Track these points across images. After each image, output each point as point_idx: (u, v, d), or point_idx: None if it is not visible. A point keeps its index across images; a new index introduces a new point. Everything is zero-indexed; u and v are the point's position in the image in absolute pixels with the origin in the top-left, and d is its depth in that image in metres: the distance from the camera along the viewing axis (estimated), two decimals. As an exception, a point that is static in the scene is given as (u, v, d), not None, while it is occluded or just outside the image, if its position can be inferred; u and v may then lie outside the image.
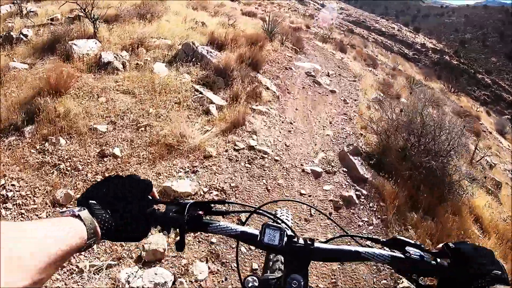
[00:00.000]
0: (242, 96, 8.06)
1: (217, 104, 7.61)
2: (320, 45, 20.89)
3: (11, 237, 0.67)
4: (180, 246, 1.14)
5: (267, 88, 9.46)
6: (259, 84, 9.24)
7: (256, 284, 1.19)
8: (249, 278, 1.20)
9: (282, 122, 8.07)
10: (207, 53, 9.40)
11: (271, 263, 1.91)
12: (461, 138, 7.01)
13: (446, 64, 63.54)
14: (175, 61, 9.04)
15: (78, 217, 0.92)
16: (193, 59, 9.14)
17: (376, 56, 32.17)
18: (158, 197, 1.20)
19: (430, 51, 66.34)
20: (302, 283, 1.06)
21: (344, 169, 6.84)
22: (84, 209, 0.96)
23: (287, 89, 10.29)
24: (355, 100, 11.33)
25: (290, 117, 8.53)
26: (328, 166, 6.81)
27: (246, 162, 6.18)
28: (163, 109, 7.09)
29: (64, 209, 1.08)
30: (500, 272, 1.02)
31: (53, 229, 0.81)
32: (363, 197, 6.13)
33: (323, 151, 7.37)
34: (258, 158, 6.35)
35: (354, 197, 5.99)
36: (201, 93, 7.86)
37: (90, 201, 1.01)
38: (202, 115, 7.28)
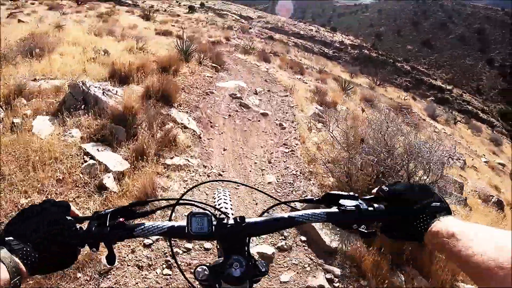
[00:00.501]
0: (150, 148, 6.11)
1: (115, 171, 5.48)
2: (243, 58, 19.30)
3: None
4: (111, 260, 1.03)
5: (185, 127, 7.59)
6: (173, 125, 7.31)
7: (207, 272, 1.06)
8: (199, 269, 1.07)
9: (208, 176, 6.12)
10: (103, 93, 7.21)
11: (219, 252, 1.58)
12: (442, 169, 5.21)
13: (365, 57, 64.97)
14: (62, 111, 6.68)
15: None
16: (84, 105, 6.95)
17: (300, 60, 30.99)
18: (79, 215, 1.09)
19: (349, 47, 67.45)
20: (243, 262, 1.01)
21: (302, 237, 4.88)
22: (1, 248, 0.84)
23: (210, 122, 8.45)
24: (292, 122, 9.57)
25: (217, 164, 6.66)
26: (280, 238, 4.80)
27: (164, 267, 4.06)
28: (40, 193, 4.79)
29: None
30: (439, 203, 0.99)
31: None
32: (337, 281, 4.26)
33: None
34: (180, 253, 4.27)
35: (326, 285, 4.12)
36: (92, 157, 5.70)
37: (7, 238, 0.88)
38: (95, 193, 5.04)
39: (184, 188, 5.62)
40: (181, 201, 1.29)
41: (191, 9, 55.53)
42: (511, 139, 43.57)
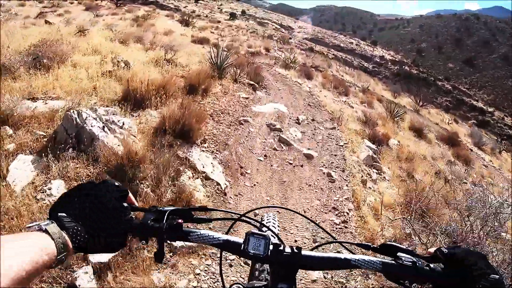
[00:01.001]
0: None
1: (95, 262, 3.58)
2: (283, 73, 17.37)
3: None
4: (159, 256, 1.00)
5: (207, 178, 5.60)
6: (191, 174, 5.45)
7: None
8: (234, 286, 1.07)
9: (232, 267, 4.16)
10: (103, 127, 5.25)
11: (257, 272, 1.71)
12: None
13: (406, 74, 62.23)
14: (49, 149, 4.77)
15: (46, 231, 0.81)
16: (77, 144, 5.00)
17: (342, 76, 28.88)
18: (136, 203, 1.09)
19: (389, 63, 64.73)
20: None
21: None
22: (52, 223, 0.85)
23: (241, 167, 6.47)
24: (343, 170, 7.42)
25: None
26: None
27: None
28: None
29: (31, 223, 0.85)
30: (497, 276, 0.94)
31: (15, 246, 0.72)
32: None
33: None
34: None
35: None
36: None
37: (59, 214, 0.89)
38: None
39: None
40: (242, 218, 1.28)
41: (232, 16, 54.25)
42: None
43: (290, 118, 10.00)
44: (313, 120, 10.34)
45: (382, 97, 25.22)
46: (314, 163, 7.40)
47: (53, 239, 0.80)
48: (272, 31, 52.20)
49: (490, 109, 59.21)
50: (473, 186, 9.31)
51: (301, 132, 9.02)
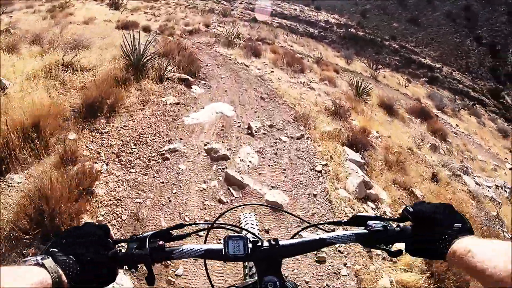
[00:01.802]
0: None
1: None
2: (226, 53, 14.37)
3: None
4: (150, 280, 1.03)
5: None
6: None
7: None
8: None
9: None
10: None
11: (247, 269, 1.81)
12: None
13: (352, 36, 60.10)
14: None
15: (42, 265, 0.83)
16: None
17: (291, 46, 25.90)
18: (116, 238, 1.10)
19: (335, 26, 62.45)
20: (277, 282, 1.03)
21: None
22: (47, 257, 0.86)
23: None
24: (333, 230, 4.44)
25: None
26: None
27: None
28: None
29: (27, 258, 0.88)
30: (461, 224, 0.99)
31: (14, 278, 0.74)
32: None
33: None
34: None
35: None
36: None
37: (51, 249, 0.92)
38: None
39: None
40: (215, 225, 1.31)
41: (169, -9, 49.70)
42: (503, 118, 40.18)
43: (240, 126, 7.08)
44: (271, 126, 7.37)
45: (337, 65, 22.86)
46: (285, 221, 4.40)
47: (49, 273, 0.80)
48: (213, 4, 48.27)
49: (438, 65, 57.92)
50: (467, 176, 9.01)
51: (257, 152, 6.05)
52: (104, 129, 5.70)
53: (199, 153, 5.69)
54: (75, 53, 8.22)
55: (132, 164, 4.97)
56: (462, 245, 0.91)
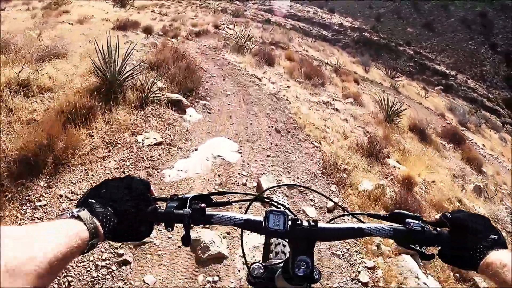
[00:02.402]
0: None
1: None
2: (234, 60, 12.04)
3: (10, 243, 0.61)
4: (186, 240, 0.99)
5: None
6: None
7: (262, 270, 1.15)
8: (255, 266, 1.16)
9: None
10: None
11: (272, 247, 1.70)
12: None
13: (366, 40, 57.63)
14: None
15: (78, 218, 0.81)
16: None
17: (307, 51, 23.52)
18: (157, 195, 1.07)
19: (349, 30, 60.09)
20: (309, 263, 0.98)
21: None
22: (83, 209, 0.85)
23: None
24: None
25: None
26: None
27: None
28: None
29: (63, 212, 1.01)
30: (497, 237, 0.96)
31: (52, 232, 0.72)
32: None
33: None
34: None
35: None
36: None
37: (90, 200, 0.90)
38: None
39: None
40: (259, 198, 1.31)
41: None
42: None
43: (245, 183, 4.82)
44: (291, 186, 5.10)
45: (355, 73, 20.98)
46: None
47: (85, 224, 0.80)
48: (226, 4, 45.96)
49: (452, 73, 55.22)
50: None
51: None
52: (40, 200, 3.52)
53: (178, 247, 3.40)
54: (39, 65, 5.98)
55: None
56: (497, 258, 0.88)
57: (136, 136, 5.14)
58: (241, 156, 5.46)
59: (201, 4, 37.04)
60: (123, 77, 6.12)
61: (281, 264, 1.13)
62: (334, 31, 58.54)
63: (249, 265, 1.15)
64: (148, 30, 14.11)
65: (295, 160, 5.70)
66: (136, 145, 4.91)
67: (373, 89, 17.52)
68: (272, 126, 6.83)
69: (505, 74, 58.05)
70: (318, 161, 5.84)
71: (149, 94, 6.23)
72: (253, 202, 1.31)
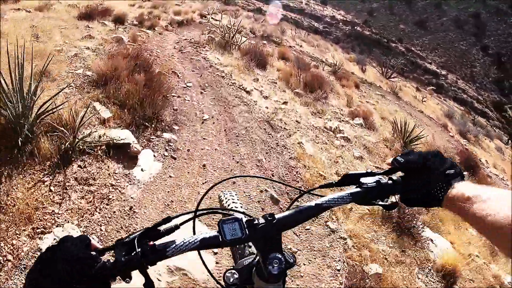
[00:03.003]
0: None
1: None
2: (218, 63, 9.56)
3: None
4: (148, 285, 0.87)
5: None
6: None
7: (237, 276, 1.06)
8: (228, 274, 1.07)
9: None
10: None
11: (239, 250, 1.59)
12: None
13: (358, 35, 55.25)
14: None
15: None
16: None
17: (301, 47, 21.02)
18: (100, 247, 0.93)
19: (341, 23, 57.77)
20: (281, 258, 0.92)
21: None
22: None
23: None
24: None
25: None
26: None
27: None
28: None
29: None
30: (453, 170, 0.94)
31: None
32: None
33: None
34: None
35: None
36: None
37: None
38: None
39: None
40: (199, 212, 1.13)
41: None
42: (507, 134, 36.30)
43: None
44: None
45: (353, 74, 18.55)
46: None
47: None
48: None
49: (443, 72, 53.40)
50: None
51: None
52: None
53: None
54: None
55: None
56: (459, 191, 0.88)
57: (39, 240, 2.74)
58: (217, 263, 3.12)
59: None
60: (33, 116, 3.66)
61: (253, 262, 1.07)
62: (325, 24, 56.15)
63: (222, 275, 1.04)
64: (120, 19, 11.50)
65: (304, 273, 3.31)
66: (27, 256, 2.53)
67: (373, 94, 15.27)
68: (266, 190, 4.40)
69: (495, 77, 56.75)
70: (339, 271, 3.46)
71: (76, 141, 3.77)
72: (195, 219, 1.11)
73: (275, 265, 0.90)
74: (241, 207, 1.82)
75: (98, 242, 1.00)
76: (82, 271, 0.80)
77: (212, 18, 17.51)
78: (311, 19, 55.22)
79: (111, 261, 0.85)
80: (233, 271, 1.06)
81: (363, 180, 1.02)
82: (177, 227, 0.99)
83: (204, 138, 5.35)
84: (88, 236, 0.90)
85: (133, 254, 0.86)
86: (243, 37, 12.90)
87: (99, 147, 4.09)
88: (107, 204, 3.49)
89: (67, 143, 3.78)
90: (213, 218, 3.69)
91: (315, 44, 25.34)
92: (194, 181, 4.28)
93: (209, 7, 20.77)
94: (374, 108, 11.73)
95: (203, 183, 4.25)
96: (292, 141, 5.93)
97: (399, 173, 1.02)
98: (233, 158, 4.99)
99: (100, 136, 4.18)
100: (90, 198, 3.46)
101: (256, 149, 5.38)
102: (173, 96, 6.47)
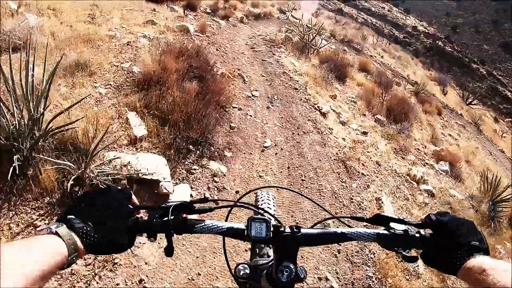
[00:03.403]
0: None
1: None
2: (293, 69, 8.37)
3: None
4: (169, 251, 0.92)
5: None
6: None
7: (247, 271, 1.07)
8: (240, 267, 1.08)
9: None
10: None
11: (257, 249, 1.52)
12: None
13: (439, 50, 51.56)
14: None
15: (56, 234, 0.75)
16: None
17: (382, 57, 19.19)
18: (139, 204, 0.99)
19: (422, 35, 54.20)
20: (293, 269, 0.91)
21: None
22: (62, 225, 0.78)
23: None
24: None
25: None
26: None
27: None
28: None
29: (41, 227, 0.80)
30: (479, 243, 0.90)
31: (30, 249, 0.68)
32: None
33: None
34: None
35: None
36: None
37: (68, 216, 0.81)
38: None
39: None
40: (239, 204, 1.17)
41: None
42: None
43: None
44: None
45: (434, 96, 16.61)
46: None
47: (63, 240, 0.74)
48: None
49: (524, 104, 48.92)
50: None
51: None
52: None
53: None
54: None
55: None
56: (477, 263, 0.84)
57: None
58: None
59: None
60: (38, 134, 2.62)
61: (266, 264, 1.09)
62: (406, 33, 52.87)
63: (235, 266, 1.05)
64: (192, 6, 10.40)
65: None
66: None
67: (455, 124, 13.44)
68: (326, 279, 3.06)
69: None
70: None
71: (87, 172, 2.65)
72: (232, 208, 1.18)
73: (285, 273, 0.90)
74: (274, 210, 1.76)
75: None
76: (118, 219, 0.85)
77: (291, 15, 16.08)
78: (392, 26, 52.16)
79: (144, 218, 0.91)
80: (246, 265, 1.06)
81: (392, 225, 0.97)
82: (211, 209, 1.02)
83: (260, 176, 4.05)
84: (130, 191, 0.94)
85: (165, 219, 0.90)
86: (323, 40, 11.45)
87: (118, 181, 2.93)
88: (111, 271, 2.37)
89: (74, 175, 2.63)
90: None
91: (396, 56, 23.26)
92: (235, 244, 3.02)
93: (290, 2, 19.31)
94: (457, 145, 10.04)
95: (245, 250, 2.99)
96: (370, 196, 4.50)
97: (429, 230, 0.97)
98: (292, 216, 3.66)
99: (123, 166, 3.00)
100: (89, 260, 2.34)
101: (324, 203, 4.00)
102: (234, 107, 5.22)
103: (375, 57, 17.66)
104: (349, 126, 6.36)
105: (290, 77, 7.40)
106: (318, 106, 6.43)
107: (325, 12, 25.98)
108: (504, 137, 20.35)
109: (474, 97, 23.23)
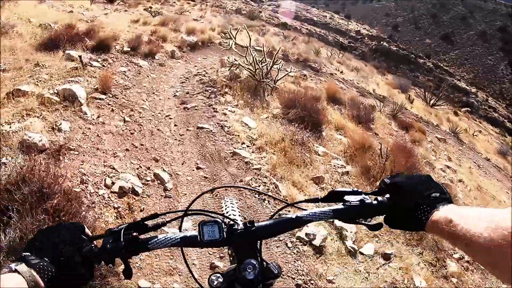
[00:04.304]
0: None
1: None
2: (245, 148, 5.01)
3: None
4: (127, 273, 0.91)
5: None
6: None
7: (221, 279, 0.96)
8: (213, 277, 0.97)
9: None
10: None
11: (231, 258, 1.47)
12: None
13: (385, 50, 49.92)
14: None
15: (16, 271, 0.73)
16: None
17: (342, 73, 16.46)
18: (92, 235, 0.95)
19: (366, 38, 52.86)
20: (256, 264, 0.88)
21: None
22: (21, 263, 0.77)
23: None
24: None
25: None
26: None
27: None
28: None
29: (4, 267, 0.78)
30: (439, 193, 0.86)
31: None
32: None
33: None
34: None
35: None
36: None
37: (24, 253, 0.80)
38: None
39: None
40: (189, 212, 1.10)
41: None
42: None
43: None
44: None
45: (405, 110, 13.70)
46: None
47: (24, 277, 0.72)
48: (241, 4, 38.85)
49: (473, 90, 48.09)
50: None
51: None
52: None
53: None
54: None
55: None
56: (442, 214, 0.80)
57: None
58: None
59: (214, 4, 29.74)
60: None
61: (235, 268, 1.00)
62: (351, 38, 51.06)
63: (208, 278, 0.94)
64: (104, 46, 7.24)
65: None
66: None
67: (438, 142, 11.17)
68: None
69: (526, 93, 51.23)
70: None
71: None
72: (183, 218, 1.11)
73: (249, 270, 0.86)
74: (239, 214, 1.67)
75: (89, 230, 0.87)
76: (72, 251, 0.82)
77: (234, 40, 13.12)
78: (336, 33, 50.54)
79: (99, 247, 0.87)
80: (218, 274, 0.97)
81: (347, 198, 0.94)
82: (163, 223, 0.97)
83: None
84: (82, 224, 0.91)
85: (117, 243, 0.86)
86: (280, 70, 8.34)
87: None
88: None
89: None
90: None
91: (353, 67, 20.54)
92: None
93: (233, 23, 16.29)
94: (459, 180, 7.59)
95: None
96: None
97: (387, 195, 0.94)
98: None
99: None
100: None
101: None
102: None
103: (336, 74, 14.88)
104: (364, 255, 3.32)
105: (246, 163, 4.30)
106: (305, 232, 3.33)
107: (271, 28, 23.23)
108: (476, 135, 18.74)
109: (437, 98, 21.32)
